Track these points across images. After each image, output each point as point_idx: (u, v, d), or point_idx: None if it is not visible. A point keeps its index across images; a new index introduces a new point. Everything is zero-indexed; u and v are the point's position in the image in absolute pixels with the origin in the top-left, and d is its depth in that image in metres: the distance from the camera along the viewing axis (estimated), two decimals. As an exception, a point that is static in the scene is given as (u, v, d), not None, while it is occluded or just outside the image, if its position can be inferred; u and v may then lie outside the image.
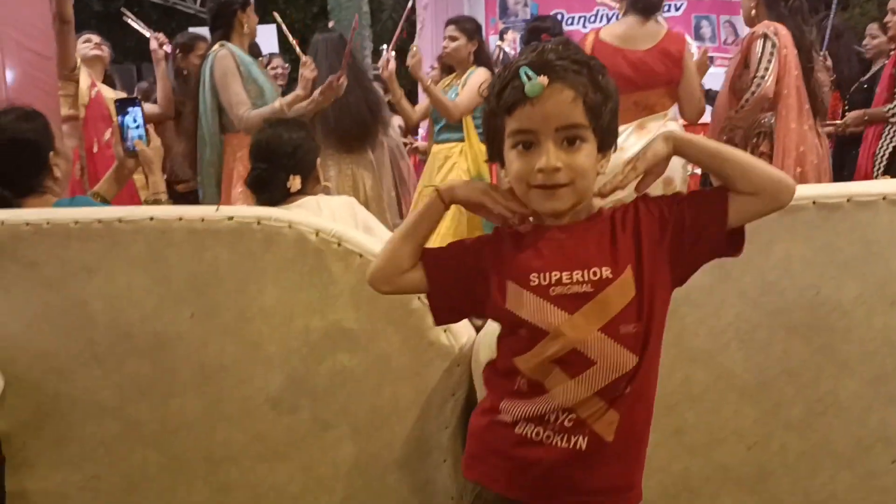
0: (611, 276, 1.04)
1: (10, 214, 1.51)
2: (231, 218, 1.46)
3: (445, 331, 1.45)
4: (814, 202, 1.31)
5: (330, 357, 1.47)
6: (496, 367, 1.14)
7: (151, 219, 1.47)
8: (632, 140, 2.72)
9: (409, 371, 1.46)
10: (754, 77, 2.79)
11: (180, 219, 1.46)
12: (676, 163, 2.68)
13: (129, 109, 2.10)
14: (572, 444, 1.06)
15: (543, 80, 1.00)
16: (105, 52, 3.47)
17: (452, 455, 1.48)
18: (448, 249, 1.15)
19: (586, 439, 1.06)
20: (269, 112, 2.88)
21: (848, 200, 1.31)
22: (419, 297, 1.44)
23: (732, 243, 1.07)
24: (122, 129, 2.08)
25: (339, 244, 1.44)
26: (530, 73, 1.00)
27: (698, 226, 1.05)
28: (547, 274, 1.05)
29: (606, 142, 1.07)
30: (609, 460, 1.08)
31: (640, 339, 1.05)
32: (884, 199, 1.30)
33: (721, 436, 1.41)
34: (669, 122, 2.82)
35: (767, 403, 1.39)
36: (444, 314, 1.19)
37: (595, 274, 1.04)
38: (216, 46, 3.07)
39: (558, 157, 1.01)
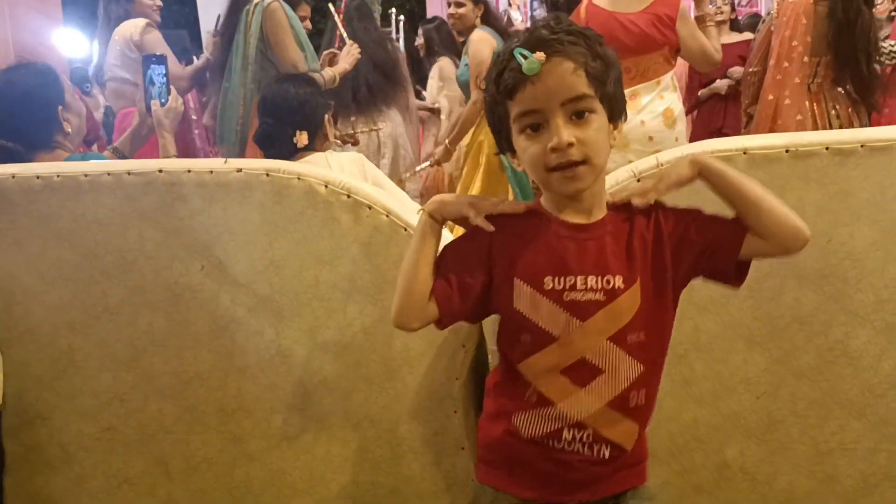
0: (622, 286, 1.02)
1: (21, 168, 1.52)
2: (240, 170, 1.46)
3: (455, 282, 1.45)
4: (827, 148, 1.29)
5: (340, 309, 1.48)
6: (501, 374, 1.12)
7: (160, 171, 1.47)
8: None
9: (419, 323, 1.47)
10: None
11: (189, 171, 1.47)
12: (668, 136, 2.64)
13: (154, 67, 2.10)
14: (595, 452, 1.06)
15: (540, 55, 0.96)
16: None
17: (463, 405, 1.49)
18: (448, 256, 1.09)
19: (608, 448, 1.06)
20: (325, 80, 2.86)
21: (862, 146, 1.29)
22: (429, 249, 1.44)
23: (738, 274, 1.07)
24: (146, 86, 2.08)
25: (348, 196, 1.44)
26: (525, 52, 0.97)
27: (709, 249, 1.05)
28: (562, 278, 1.02)
29: (616, 111, 1.04)
30: (629, 456, 1.10)
31: (645, 348, 1.05)
32: (898, 144, 1.29)
33: (730, 385, 1.41)
34: (665, 93, 2.67)
35: (777, 352, 1.39)
36: (453, 317, 1.10)
37: (609, 282, 1.02)
38: None
39: (570, 132, 0.98)
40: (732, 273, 1.06)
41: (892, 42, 3.42)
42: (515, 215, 1.06)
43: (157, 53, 2.33)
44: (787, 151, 1.30)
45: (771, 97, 3.10)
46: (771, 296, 1.37)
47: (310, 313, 1.49)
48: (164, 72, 2.12)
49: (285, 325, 1.50)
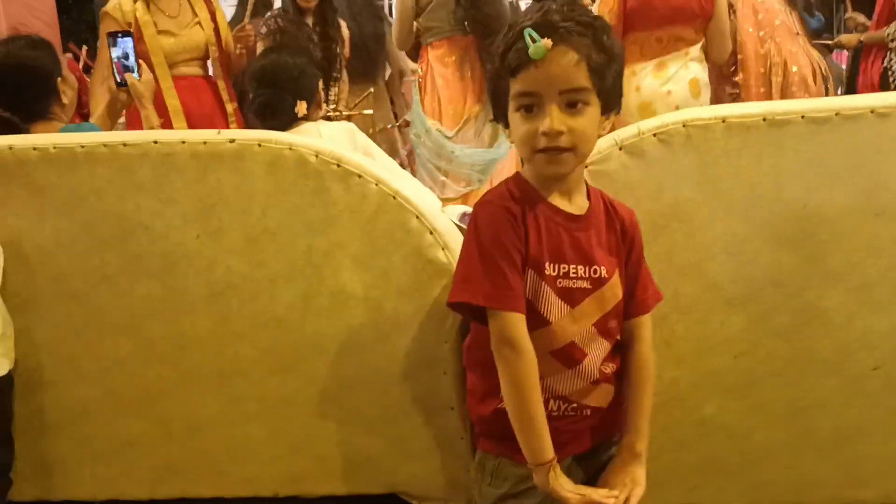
0: (605, 276, 1.09)
1: (17, 140, 1.54)
2: (233, 141, 1.49)
3: (443, 248, 1.49)
4: (802, 116, 1.33)
5: (332, 276, 1.53)
6: (485, 351, 1.12)
7: (155, 142, 1.50)
8: (649, 80, 2.62)
9: (408, 288, 1.51)
10: None
11: (183, 142, 1.50)
12: (694, 106, 2.65)
13: (120, 42, 2.11)
14: (578, 413, 1.14)
15: (547, 42, 1.00)
16: None
17: (452, 368, 1.54)
18: (497, 261, 1.06)
19: (589, 410, 1.14)
20: None
21: (836, 114, 1.33)
22: (417, 217, 1.49)
23: None
24: (112, 62, 2.09)
25: (338, 165, 1.48)
26: (534, 35, 1.00)
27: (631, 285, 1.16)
28: (558, 265, 1.07)
29: (610, 104, 1.08)
30: (607, 412, 1.17)
31: (615, 333, 1.14)
32: (871, 112, 1.32)
33: (709, 345, 1.46)
34: (692, 63, 2.68)
35: (754, 313, 1.44)
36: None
37: (595, 272, 1.08)
38: None
39: (562, 120, 1.02)
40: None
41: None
42: (521, 199, 1.08)
43: (123, 29, 2.31)
44: (763, 120, 1.34)
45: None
46: (749, 259, 1.42)
47: (303, 280, 1.53)
48: (132, 45, 2.13)
49: (279, 292, 1.54)
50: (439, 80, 2.85)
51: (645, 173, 1.38)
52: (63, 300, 1.59)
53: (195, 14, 2.78)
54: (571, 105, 1.03)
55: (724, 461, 1.54)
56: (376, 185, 1.47)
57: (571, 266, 1.07)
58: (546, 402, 1.11)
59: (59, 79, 1.84)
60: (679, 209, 1.40)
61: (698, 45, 2.72)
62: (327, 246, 1.51)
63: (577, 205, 1.11)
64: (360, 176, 1.48)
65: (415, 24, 3.03)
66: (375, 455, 1.62)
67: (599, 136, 1.09)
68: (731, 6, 2.89)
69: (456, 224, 1.67)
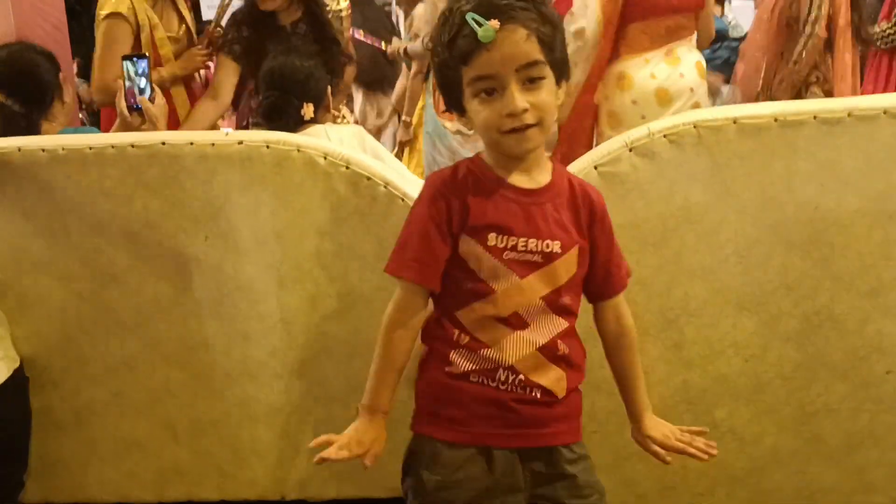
0: (559, 251, 1.09)
1: (25, 141, 1.54)
2: (241, 142, 1.49)
3: (452, 251, 1.49)
4: (815, 117, 1.32)
5: (340, 278, 1.52)
6: (437, 321, 1.15)
7: (163, 144, 1.50)
8: (662, 67, 2.62)
9: (417, 290, 1.50)
10: (807, 19, 2.83)
11: (191, 143, 1.49)
12: (703, 88, 2.69)
13: (136, 64, 2.10)
14: (527, 392, 1.11)
15: (495, 23, 1.00)
16: None
17: (460, 370, 1.54)
18: (416, 239, 1.11)
19: (539, 391, 1.11)
20: None
21: (849, 115, 1.32)
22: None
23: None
24: (125, 87, 2.07)
25: (346, 167, 1.48)
26: (479, 18, 1.00)
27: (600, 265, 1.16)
28: (504, 237, 1.08)
29: (561, 73, 1.09)
30: (562, 408, 1.14)
31: (570, 310, 1.13)
32: (885, 112, 1.32)
33: (719, 349, 1.46)
34: (693, 49, 2.74)
35: (765, 316, 1.43)
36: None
37: (547, 247, 1.09)
38: None
39: (523, 98, 1.03)
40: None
41: (886, 24, 3.42)
42: (466, 176, 1.11)
43: (138, 52, 2.26)
44: (775, 120, 1.33)
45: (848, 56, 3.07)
46: (759, 262, 1.41)
47: (311, 281, 1.53)
48: (148, 68, 2.12)
49: (287, 293, 1.54)
50: None
51: (655, 175, 1.37)
52: (72, 299, 1.59)
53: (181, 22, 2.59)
54: (530, 81, 1.03)
55: (732, 466, 1.53)
56: (385, 187, 1.47)
57: (521, 239, 1.08)
58: (493, 372, 1.10)
59: (61, 74, 1.86)
60: (690, 211, 1.39)
61: (695, 33, 2.77)
62: (336, 248, 1.50)
63: (535, 180, 1.11)
64: (369, 178, 1.47)
65: None
66: (383, 457, 1.60)
67: (555, 106, 1.09)
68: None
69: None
